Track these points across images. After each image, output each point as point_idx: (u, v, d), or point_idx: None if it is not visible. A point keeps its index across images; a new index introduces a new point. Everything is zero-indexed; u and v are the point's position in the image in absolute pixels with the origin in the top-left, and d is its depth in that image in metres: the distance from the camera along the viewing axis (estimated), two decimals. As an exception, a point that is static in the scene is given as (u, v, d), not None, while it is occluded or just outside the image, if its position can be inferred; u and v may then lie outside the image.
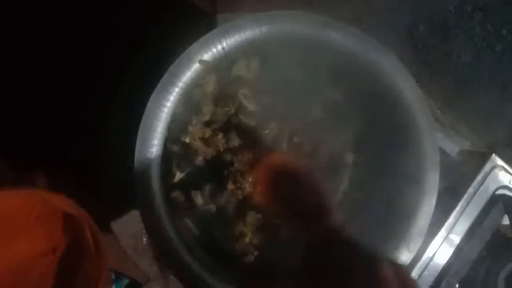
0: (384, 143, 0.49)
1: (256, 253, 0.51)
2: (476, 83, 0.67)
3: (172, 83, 0.42)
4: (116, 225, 0.65)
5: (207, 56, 0.43)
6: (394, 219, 0.47)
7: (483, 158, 0.69)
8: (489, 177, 0.67)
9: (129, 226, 0.65)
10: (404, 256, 0.46)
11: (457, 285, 0.67)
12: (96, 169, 0.63)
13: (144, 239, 0.67)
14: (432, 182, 0.46)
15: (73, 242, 0.60)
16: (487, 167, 0.67)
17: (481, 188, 0.66)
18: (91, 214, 0.62)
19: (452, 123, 0.76)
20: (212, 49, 0.43)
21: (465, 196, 0.66)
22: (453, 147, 0.73)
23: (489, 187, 0.67)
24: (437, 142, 0.46)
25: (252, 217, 0.51)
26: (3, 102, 0.78)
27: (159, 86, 0.42)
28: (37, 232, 0.60)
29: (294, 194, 0.52)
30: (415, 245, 0.46)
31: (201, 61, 0.43)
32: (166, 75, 0.42)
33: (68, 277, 0.60)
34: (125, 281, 0.79)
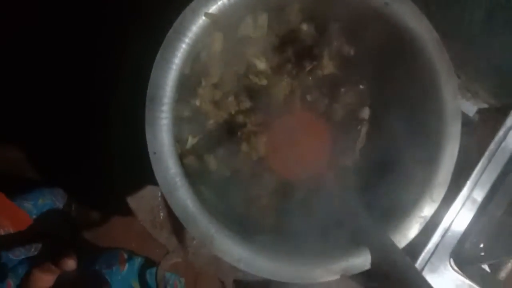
0: (402, 93, 0.47)
1: (274, 214, 0.50)
2: (491, 41, 0.64)
3: (178, 39, 0.41)
4: (133, 201, 0.65)
5: (213, 9, 0.42)
6: (416, 170, 0.45)
7: (503, 113, 0.67)
8: (511, 132, 0.64)
9: (145, 201, 0.65)
10: (428, 206, 0.44)
11: (481, 245, 0.65)
12: (108, 145, 0.62)
13: (161, 214, 0.67)
14: (454, 128, 0.44)
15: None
16: (508, 122, 0.65)
17: (503, 144, 0.64)
18: (107, 192, 0.62)
19: (467, 85, 0.74)
20: (218, 2, 0.42)
21: (486, 154, 0.64)
22: (470, 107, 0.71)
23: (511, 142, 0.64)
24: (456, 87, 0.44)
25: (267, 179, 0.50)
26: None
27: (164, 43, 0.41)
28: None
29: (309, 153, 0.52)
30: (438, 195, 0.44)
31: (206, 14, 0.41)
32: (171, 31, 0.41)
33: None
34: (141, 261, 0.79)
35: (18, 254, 0.75)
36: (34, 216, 0.88)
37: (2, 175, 1.06)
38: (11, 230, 0.79)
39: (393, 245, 0.43)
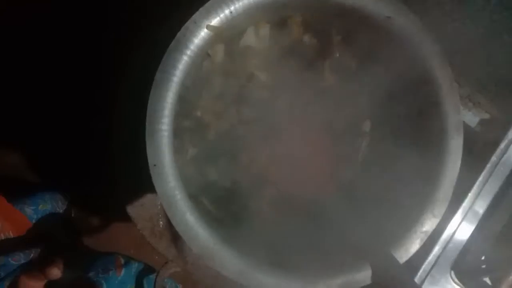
0: (403, 105, 0.47)
1: (274, 227, 0.49)
2: (494, 51, 0.64)
3: (179, 51, 0.41)
4: (132, 209, 0.65)
5: (214, 21, 0.42)
6: (417, 185, 0.45)
7: (505, 125, 0.67)
8: (513, 144, 0.64)
9: (145, 210, 0.65)
10: (429, 222, 0.44)
11: (483, 258, 0.64)
12: (108, 151, 0.62)
13: (161, 222, 0.66)
14: (456, 142, 0.44)
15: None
16: (510, 134, 0.65)
17: (505, 157, 0.64)
18: (107, 198, 0.62)
19: (470, 94, 0.74)
20: (220, 14, 0.42)
21: (488, 166, 0.64)
22: (472, 118, 0.71)
23: (513, 155, 0.64)
24: (459, 101, 0.44)
25: (268, 191, 0.50)
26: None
27: (166, 54, 0.41)
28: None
29: (310, 166, 0.51)
30: (440, 210, 0.44)
31: (208, 27, 0.41)
32: (173, 43, 0.41)
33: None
34: (138, 266, 0.79)
35: (17, 259, 0.74)
36: (34, 221, 0.88)
37: (3, 179, 1.06)
38: (11, 235, 0.79)
39: (394, 260, 0.43)
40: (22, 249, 0.77)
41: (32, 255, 0.78)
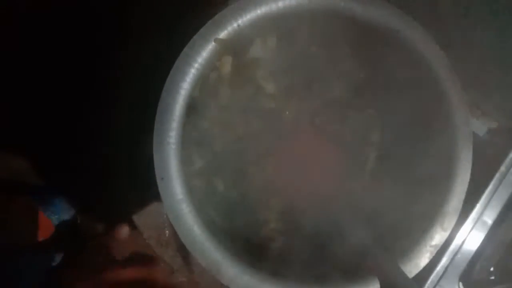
0: (411, 117, 0.47)
1: (281, 239, 0.49)
2: (503, 57, 0.64)
3: (188, 64, 0.41)
4: (138, 218, 0.65)
5: (222, 34, 0.42)
6: (426, 197, 0.45)
7: (514, 134, 0.66)
8: (522, 154, 0.64)
9: (151, 219, 0.65)
10: (438, 235, 0.43)
11: (492, 269, 0.64)
12: (115, 161, 0.63)
13: (167, 231, 0.66)
14: (465, 156, 0.43)
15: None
16: (519, 143, 0.64)
17: (514, 166, 0.63)
18: (113, 208, 0.62)
19: (477, 103, 0.73)
20: (227, 27, 0.42)
21: (497, 175, 0.63)
22: (480, 127, 0.70)
23: (522, 165, 0.63)
24: (468, 113, 0.44)
25: (275, 202, 0.49)
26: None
27: (174, 67, 0.41)
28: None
29: (318, 177, 0.51)
30: (449, 224, 0.44)
31: (216, 40, 0.41)
32: (181, 56, 0.41)
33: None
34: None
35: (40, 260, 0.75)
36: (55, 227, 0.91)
37: (6, 182, 1.06)
38: (37, 239, 0.81)
39: (403, 274, 0.42)
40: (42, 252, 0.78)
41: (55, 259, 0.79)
